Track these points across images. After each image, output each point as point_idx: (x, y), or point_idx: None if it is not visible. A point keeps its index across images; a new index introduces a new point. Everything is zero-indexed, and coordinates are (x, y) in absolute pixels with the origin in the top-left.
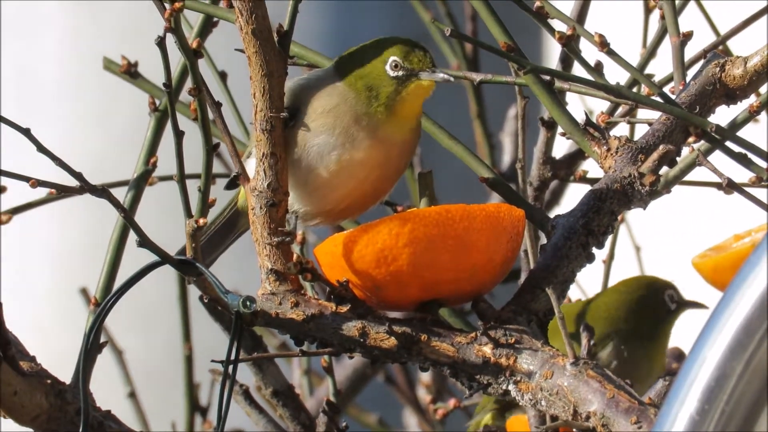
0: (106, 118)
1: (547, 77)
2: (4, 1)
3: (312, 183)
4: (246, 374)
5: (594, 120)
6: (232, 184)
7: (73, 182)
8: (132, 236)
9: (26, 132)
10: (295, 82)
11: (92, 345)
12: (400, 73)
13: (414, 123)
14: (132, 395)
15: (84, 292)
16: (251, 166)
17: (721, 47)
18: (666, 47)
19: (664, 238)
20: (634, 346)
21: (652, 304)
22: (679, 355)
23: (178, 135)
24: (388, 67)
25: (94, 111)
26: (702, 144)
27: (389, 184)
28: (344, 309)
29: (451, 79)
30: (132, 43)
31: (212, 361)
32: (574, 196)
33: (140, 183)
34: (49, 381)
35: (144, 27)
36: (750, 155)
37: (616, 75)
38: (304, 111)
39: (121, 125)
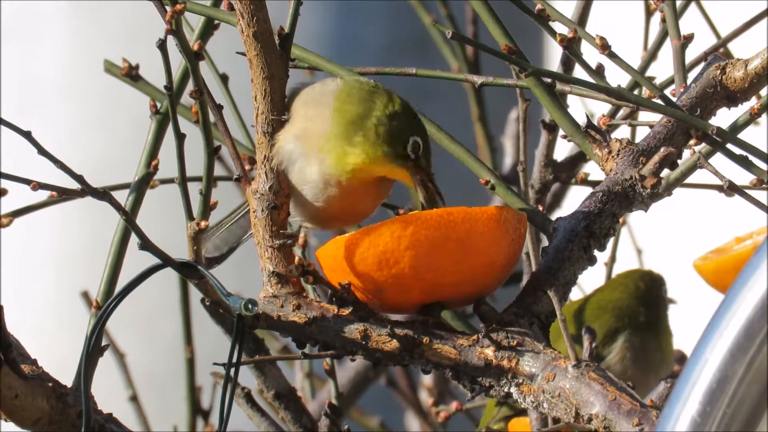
0: (108, 121)
1: (549, 80)
2: (5, 2)
3: (292, 187)
4: (248, 377)
5: (595, 122)
6: None
7: (74, 185)
8: (133, 239)
9: (27, 134)
10: (297, 83)
11: (94, 348)
12: (413, 156)
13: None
14: (134, 398)
15: (85, 295)
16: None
17: (721, 50)
18: (667, 50)
19: (665, 241)
20: (646, 337)
21: (654, 298)
22: (680, 358)
23: (180, 138)
24: (410, 143)
25: (96, 114)
26: (703, 146)
27: (363, 209)
28: (346, 312)
29: (422, 205)
30: (134, 46)
31: (214, 363)
32: (575, 198)
33: (141, 186)
34: (50, 384)
35: (146, 30)
36: (751, 157)
37: (618, 77)
38: (292, 112)
39: (123, 128)
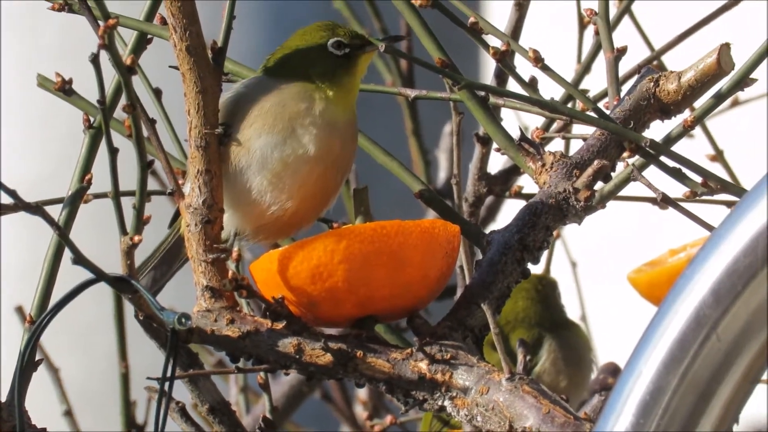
0: (42, 136)
1: (482, 93)
2: None
3: (255, 190)
4: (182, 391)
5: (529, 135)
6: (176, 220)
7: (7, 200)
8: (67, 254)
9: None
10: (227, 95)
11: (27, 363)
12: (347, 50)
13: (353, 100)
14: (68, 413)
15: (19, 310)
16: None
17: (655, 62)
18: (600, 62)
19: (599, 253)
20: (563, 334)
21: (554, 298)
22: (614, 370)
23: (113, 152)
24: (331, 49)
25: (29, 129)
26: (636, 159)
27: (331, 185)
28: (280, 326)
29: (382, 47)
30: (69, 62)
31: (148, 378)
32: (509, 211)
33: (75, 200)
34: None
35: (79, 45)
36: (684, 170)
37: (551, 90)
38: (240, 120)
39: (56, 143)
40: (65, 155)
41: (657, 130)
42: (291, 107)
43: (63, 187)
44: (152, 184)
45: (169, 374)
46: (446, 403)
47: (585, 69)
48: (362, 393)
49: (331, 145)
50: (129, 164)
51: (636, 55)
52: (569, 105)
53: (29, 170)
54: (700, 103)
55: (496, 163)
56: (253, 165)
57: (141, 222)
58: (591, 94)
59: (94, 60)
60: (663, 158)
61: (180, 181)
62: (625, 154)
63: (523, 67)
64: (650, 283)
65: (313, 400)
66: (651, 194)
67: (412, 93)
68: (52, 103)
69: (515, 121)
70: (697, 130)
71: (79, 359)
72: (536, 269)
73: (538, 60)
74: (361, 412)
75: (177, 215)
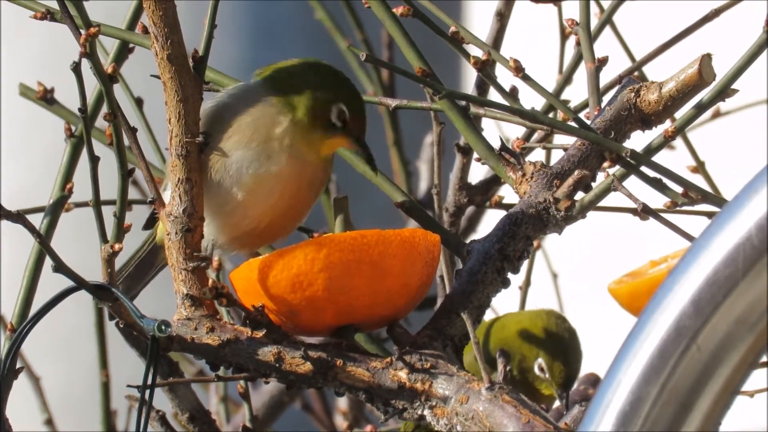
0: (24, 145)
1: (463, 102)
2: None
3: (231, 203)
4: (163, 400)
5: (509, 145)
6: (150, 224)
7: None
8: (48, 262)
9: None
10: (209, 104)
11: (8, 371)
12: (340, 124)
13: (328, 156)
14: (49, 422)
15: (0, 318)
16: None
17: (636, 73)
18: (581, 73)
19: (580, 264)
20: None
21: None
22: (594, 381)
23: (94, 160)
24: (334, 112)
25: (11, 139)
26: (617, 169)
27: (304, 202)
28: (260, 334)
29: (374, 164)
30: (50, 71)
31: (128, 386)
32: (490, 221)
33: (56, 209)
34: None
35: (61, 53)
36: (665, 180)
37: (532, 100)
38: (220, 131)
39: (39, 153)
40: (47, 164)
41: (638, 141)
42: (270, 125)
43: (44, 196)
44: (133, 193)
45: (149, 382)
46: (426, 412)
47: (566, 79)
48: (342, 403)
49: (303, 166)
50: (110, 173)
51: (617, 65)
52: (550, 115)
53: (11, 179)
54: (681, 113)
55: (477, 173)
56: (228, 178)
57: (122, 230)
58: (572, 105)
59: (76, 68)
60: (643, 168)
61: (161, 190)
62: (606, 164)
63: (504, 77)
64: (631, 294)
65: (293, 410)
66: (632, 204)
67: (392, 102)
68: (34, 112)
69: (496, 131)
70: (679, 142)
71: (60, 368)
72: (518, 280)
73: (519, 70)
74: (341, 422)
75: (149, 222)
